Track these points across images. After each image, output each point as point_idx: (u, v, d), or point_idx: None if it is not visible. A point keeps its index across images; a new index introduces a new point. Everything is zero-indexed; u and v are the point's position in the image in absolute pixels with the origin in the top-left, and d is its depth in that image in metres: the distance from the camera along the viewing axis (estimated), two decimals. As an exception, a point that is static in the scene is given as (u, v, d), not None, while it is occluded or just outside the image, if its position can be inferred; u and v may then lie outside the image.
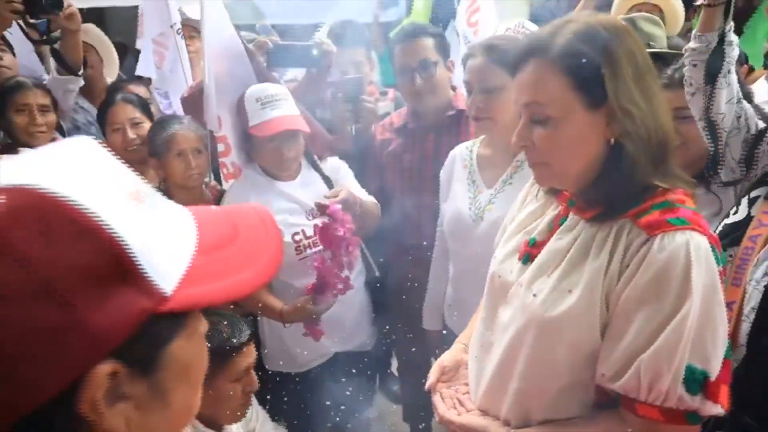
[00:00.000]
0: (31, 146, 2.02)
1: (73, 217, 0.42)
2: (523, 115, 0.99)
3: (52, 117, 2.12)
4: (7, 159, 0.45)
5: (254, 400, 1.66)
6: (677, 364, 0.86)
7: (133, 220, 0.45)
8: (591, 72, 0.90)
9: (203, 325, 0.54)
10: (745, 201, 1.32)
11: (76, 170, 0.45)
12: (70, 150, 0.47)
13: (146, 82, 2.71)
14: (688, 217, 0.90)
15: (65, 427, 0.44)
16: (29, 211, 0.41)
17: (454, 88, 2.06)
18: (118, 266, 0.44)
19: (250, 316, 1.94)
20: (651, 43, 1.86)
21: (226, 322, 1.40)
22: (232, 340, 1.37)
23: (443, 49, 1.97)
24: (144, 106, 2.13)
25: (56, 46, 2.26)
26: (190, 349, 0.51)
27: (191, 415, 0.55)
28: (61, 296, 0.41)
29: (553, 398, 1.00)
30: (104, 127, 2.11)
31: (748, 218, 1.27)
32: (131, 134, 2.04)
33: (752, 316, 1.19)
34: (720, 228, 1.30)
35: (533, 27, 2.46)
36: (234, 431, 1.49)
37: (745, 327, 1.20)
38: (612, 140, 0.93)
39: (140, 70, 2.71)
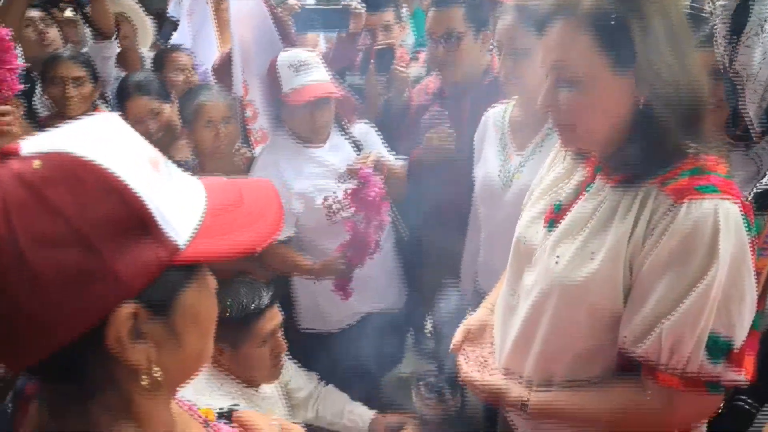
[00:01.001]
0: (66, 117, 2.09)
1: (101, 177, 0.48)
2: (549, 76, 0.97)
3: (87, 88, 2.16)
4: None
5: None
6: (700, 330, 0.85)
7: (152, 182, 0.51)
8: (619, 31, 0.87)
9: (212, 281, 0.61)
10: None
11: (103, 139, 0.51)
12: (98, 123, 0.53)
13: (186, 49, 2.71)
14: (718, 184, 0.87)
15: (98, 360, 0.52)
16: (63, 171, 0.47)
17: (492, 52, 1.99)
18: (139, 221, 0.50)
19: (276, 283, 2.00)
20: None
21: (246, 290, 1.44)
22: (252, 306, 1.41)
23: (477, 19, 1.86)
24: (160, 91, 2.10)
25: (87, 11, 2.30)
26: (200, 298, 0.57)
27: (202, 362, 0.62)
28: (90, 244, 0.47)
29: (574, 361, 1.01)
30: (125, 117, 2.10)
31: None
32: (152, 126, 2.04)
33: None
34: (751, 194, 1.24)
35: None
36: (268, 389, 1.56)
37: None
38: (641, 103, 0.90)
39: (177, 38, 2.72)
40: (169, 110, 2.09)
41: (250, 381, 1.48)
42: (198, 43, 2.71)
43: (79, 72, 2.14)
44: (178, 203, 0.53)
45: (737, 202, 0.87)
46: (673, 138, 0.89)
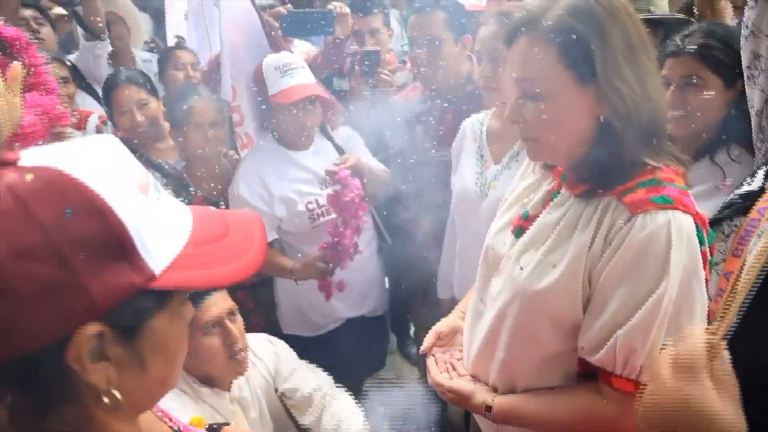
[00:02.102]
0: None
1: (87, 197, 0.50)
2: (515, 90, 0.99)
3: (72, 88, 2.20)
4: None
5: (271, 340, 1.68)
6: (651, 341, 0.88)
7: (137, 208, 0.53)
8: (581, 48, 0.89)
9: (188, 311, 0.62)
10: (762, 172, 1.28)
11: (95, 161, 0.52)
12: (94, 144, 0.55)
13: (188, 48, 2.74)
14: (673, 195, 0.90)
15: (56, 373, 0.52)
16: (51, 187, 0.49)
17: (472, 60, 2.02)
18: (118, 244, 0.51)
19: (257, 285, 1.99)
20: (651, 9, 1.79)
21: None
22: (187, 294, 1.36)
23: (457, 24, 1.90)
24: (148, 84, 2.13)
25: (79, 10, 2.34)
26: (169, 327, 0.58)
27: (166, 388, 0.62)
28: (67, 260, 0.48)
29: (536, 368, 1.04)
30: (110, 108, 2.11)
31: (762, 190, 1.24)
32: (139, 117, 2.05)
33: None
34: (730, 196, 1.27)
35: None
36: (243, 384, 1.50)
37: (740, 298, 1.19)
38: (601, 117, 0.93)
39: (189, 42, 2.76)
40: (156, 105, 2.11)
41: (208, 378, 1.43)
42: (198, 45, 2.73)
43: (63, 71, 2.17)
44: (161, 230, 0.55)
45: (691, 214, 0.90)
46: (631, 152, 0.92)
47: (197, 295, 1.37)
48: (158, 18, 3.73)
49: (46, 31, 2.51)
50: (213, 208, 0.67)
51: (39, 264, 0.47)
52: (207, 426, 0.97)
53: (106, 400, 0.54)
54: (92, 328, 0.50)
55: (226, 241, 0.60)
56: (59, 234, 0.48)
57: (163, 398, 0.62)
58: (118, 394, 0.54)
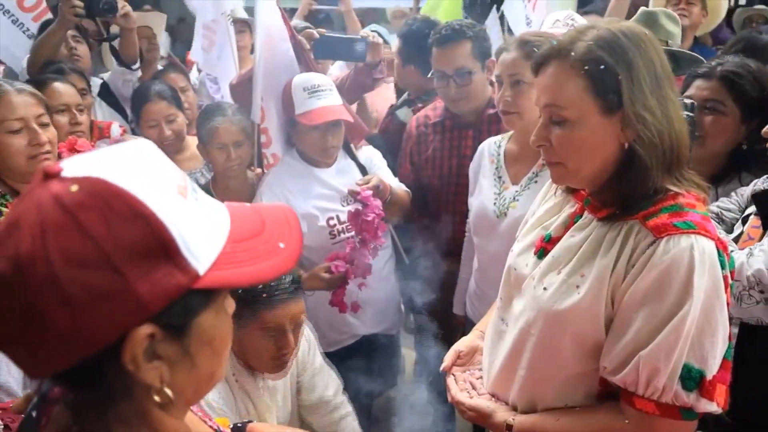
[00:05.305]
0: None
1: (130, 204, 0.51)
2: (543, 115, 1.03)
3: (89, 99, 2.29)
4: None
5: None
6: (674, 361, 0.90)
7: (178, 210, 0.54)
8: (608, 78, 0.94)
9: (231, 305, 0.64)
10: (738, 224, 1.36)
11: (135, 167, 0.54)
12: (133, 150, 0.57)
13: (182, 69, 2.82)
14: (695, 221, 0.93)
15: (113, 373, 0.54)
16: (97, 197, 0.51)
17: (492, 84, 2.06)
18: (162, 247, 0.52)
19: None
20: (669, 41, 1.86)
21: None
22: (263, 293, 1.36)
23: (482, 52, 1.94)
24: (176, 99, 2.22)
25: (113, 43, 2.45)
26: (216, 323, 0.60)
27: (213, 382, 0.64)
28: (116, 266, 0.50)
29: (558, 387, 1.05)
30: (139, 120, 2.21)
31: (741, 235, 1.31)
32: (167, 131, 2.15)
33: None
34: None
35: (581, 20, 2.44)
36: (270, 383, 1.53)
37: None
38: (626, 144, 0.97)
39: (194, 55, 2.83)
40: (182, 119, 2.21)
41: (250, 366, 1.47)
42: (220, 61, 2.77)
43: (82, 84, 2.25)
44: (202, 231, 0.56)
45: (713, 239, 0.93)
46: (654, 178, 0.95)
47: (269, 298, 1.36)
48: (173, 34, 3.85)
49: (83, 48, 2.60)
50: (248, 204, 0.68)
51: (92, 273, 0.49)
52: (231, 426, 0.99)
53: (157, 398, 0.56)
54: (145, 330, 0.52)
55: (264, 236, 0.61)
56: (108, 242, 0.50)
57: None
58: (169, 392, 0.56)
